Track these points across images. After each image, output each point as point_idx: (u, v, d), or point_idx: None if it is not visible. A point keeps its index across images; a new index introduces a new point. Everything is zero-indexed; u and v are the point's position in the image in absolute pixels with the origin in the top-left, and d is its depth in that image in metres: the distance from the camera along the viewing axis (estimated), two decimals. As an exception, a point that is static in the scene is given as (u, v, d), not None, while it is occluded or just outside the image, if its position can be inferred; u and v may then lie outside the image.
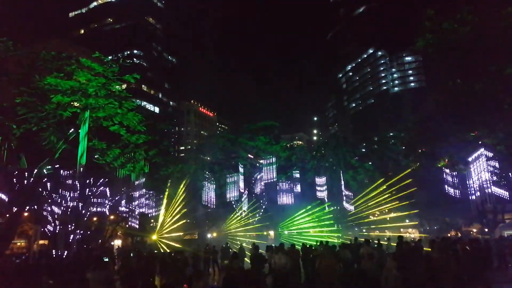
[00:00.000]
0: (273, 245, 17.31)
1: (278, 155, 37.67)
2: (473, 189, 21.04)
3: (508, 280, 15.06)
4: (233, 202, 35.84)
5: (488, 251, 15.35)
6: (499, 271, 16.39)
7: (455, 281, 9.19)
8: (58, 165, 19.80)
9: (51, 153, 19.27)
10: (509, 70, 18.47)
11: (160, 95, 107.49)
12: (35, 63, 19.24)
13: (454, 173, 23.38)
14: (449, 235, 35.20)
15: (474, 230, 38.55)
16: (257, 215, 36.48)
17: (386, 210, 41.42)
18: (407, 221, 42.65)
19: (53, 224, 21.39)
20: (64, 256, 19.05)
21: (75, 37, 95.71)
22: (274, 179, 34.48)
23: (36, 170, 19.89)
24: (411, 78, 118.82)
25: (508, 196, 21.76)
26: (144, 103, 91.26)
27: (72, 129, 19.15)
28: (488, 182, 19.76)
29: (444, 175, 25.28)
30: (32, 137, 19.40)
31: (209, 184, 35.01)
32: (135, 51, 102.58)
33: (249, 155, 38.15)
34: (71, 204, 20.93)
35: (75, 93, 18.65)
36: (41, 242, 32.15)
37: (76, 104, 18.91)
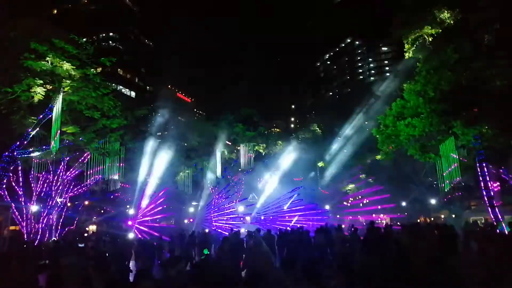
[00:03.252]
0: (245, 229, 17.52)
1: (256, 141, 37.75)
2: (442, 175, 21.76)
3: (472, 264, 15.76)
4: (210, 188, 35.90)
5: (454, 236, 16.03)
6: (464, 255, 17.12)
7: (424, 265, 9.58)
8: (30, 149, 19.14)
9: (22, 136, 18.63)
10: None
11: (136, 80, 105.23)
12: (4, 43, 18.44)
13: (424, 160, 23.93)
14: (418, 220, 36.41)
15: (442, 216, 40.06)
16: (234, 200, 36.69)
17: (360, 197, 42.51)
18: (379, 207, 43.87)
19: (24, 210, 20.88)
20: (36, 243, 18.74)
21: (46, 17, 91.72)
22: (251, 165, 34.78)
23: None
24: (387, 68, 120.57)
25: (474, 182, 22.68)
26: (120, 87, 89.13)
27: (46, 111, 18.49)
28: (457, 169, 20.46)
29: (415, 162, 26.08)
30: (2, 120, 18.73)
31: (186, 169, 34.88)
32: (111, 34, 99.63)
33: (227, 142, 38.05)
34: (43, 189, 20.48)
35: (47, 75, 18.02)
36: (11, 228, 31.35)
37: (49, 87, 18.27)
